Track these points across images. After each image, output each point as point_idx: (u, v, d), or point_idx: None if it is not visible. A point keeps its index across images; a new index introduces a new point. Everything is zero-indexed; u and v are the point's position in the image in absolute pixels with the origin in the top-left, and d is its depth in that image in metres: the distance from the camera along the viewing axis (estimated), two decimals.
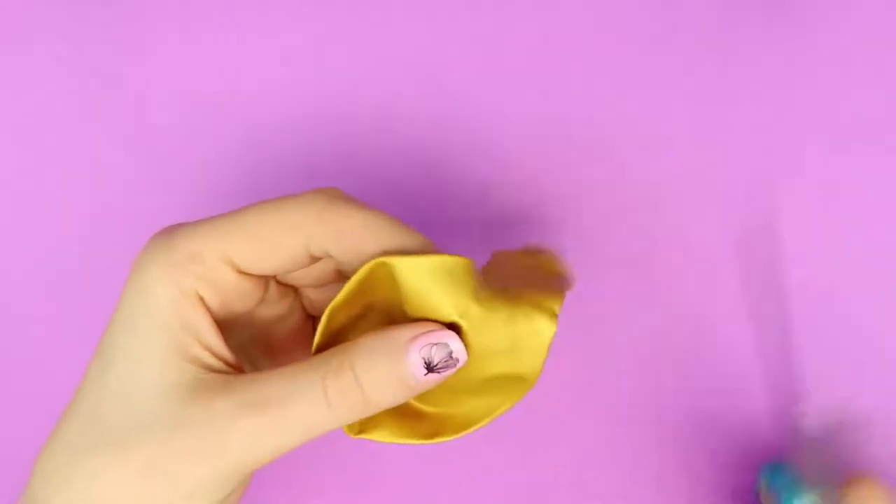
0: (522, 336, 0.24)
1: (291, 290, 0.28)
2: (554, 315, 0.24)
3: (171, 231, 0.24)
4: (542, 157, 0.35)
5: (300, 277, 0.27)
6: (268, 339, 0.28)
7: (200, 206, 0.35)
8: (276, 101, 0.36)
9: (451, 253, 0.27)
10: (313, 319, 0.29)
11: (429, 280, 0.24)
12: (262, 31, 0.36)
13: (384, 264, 0.24)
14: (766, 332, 0.35)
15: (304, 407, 0.23)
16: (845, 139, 0.35)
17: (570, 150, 0.35)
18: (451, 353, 0.24)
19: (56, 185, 0.36)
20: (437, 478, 0.35)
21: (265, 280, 0.26)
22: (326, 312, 0.24)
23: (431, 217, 0.35)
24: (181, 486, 0.22)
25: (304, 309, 0.29)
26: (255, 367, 0.28)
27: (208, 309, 0.24)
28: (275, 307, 0.27)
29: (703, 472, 0.35)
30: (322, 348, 0.25)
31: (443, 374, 0.24)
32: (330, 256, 0.25)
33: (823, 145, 0.35)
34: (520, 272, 0.25)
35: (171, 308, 0.23)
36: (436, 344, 0.23)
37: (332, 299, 0.27)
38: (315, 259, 0.25)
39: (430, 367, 0.23)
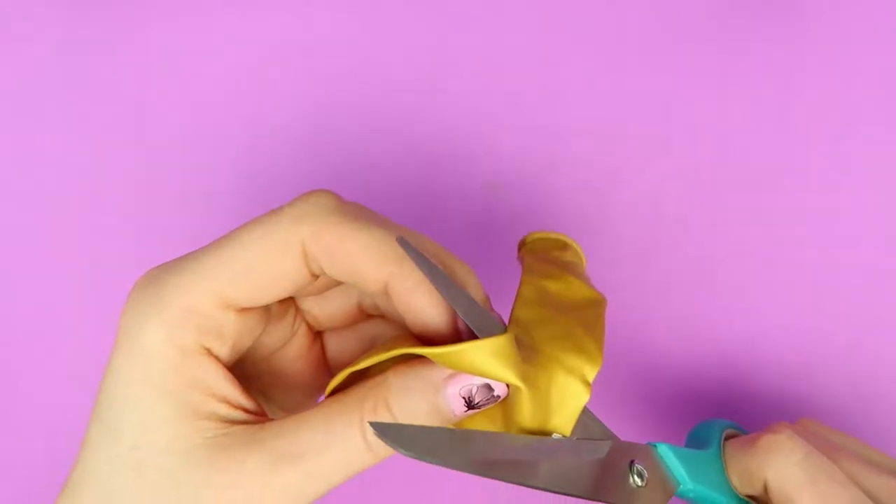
0: (555, 397, 0.23)
1: (291, 305, 0.26)
2: (587, 382, 0.22)
3: (156, 281, 0.22)
4: (542, 156, 0.35)
5: (321, 320, 0.26)
6: (276, 366, 0.26)
7: (200, 205, 0.35)
8: (276, 101, 0.36)
9: (466, 268, 0.25)
10: (320, 337, 0.28)
11: (467, 365, 0.22)
12: (261, 31, 0.36)
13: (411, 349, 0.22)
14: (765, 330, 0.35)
15: (343, 454, 0.21)
16: (845, 138, 0.35)
17: (569, 148, 0.35)
18: (493, 392, 0.22)
19: (56, 185, 0.36)
20: (437, 478, 0.35)
21: (266, 306, 0.24)
22: (340, 376, 0.23)
23: (432, 213, 0.35)
24: None
25: (307, 326, 0.27)
26: (267, 397, 0.26)
27: (218, 359, 0.22)
28: (278, 331, 0.26)
29: None
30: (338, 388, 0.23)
31: (483, 408, 0.22)
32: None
33: (823, 144, 0.35)
34: (558, 312, 0.23)
35: (173, 372, 0.21)
36: (477, 385, 0.22)
37: (336, 311, 0.26)
38: (317, 275, 0.23)
39: (470, 405, 0.22)
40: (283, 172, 0.36)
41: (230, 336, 0.22)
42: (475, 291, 0.24)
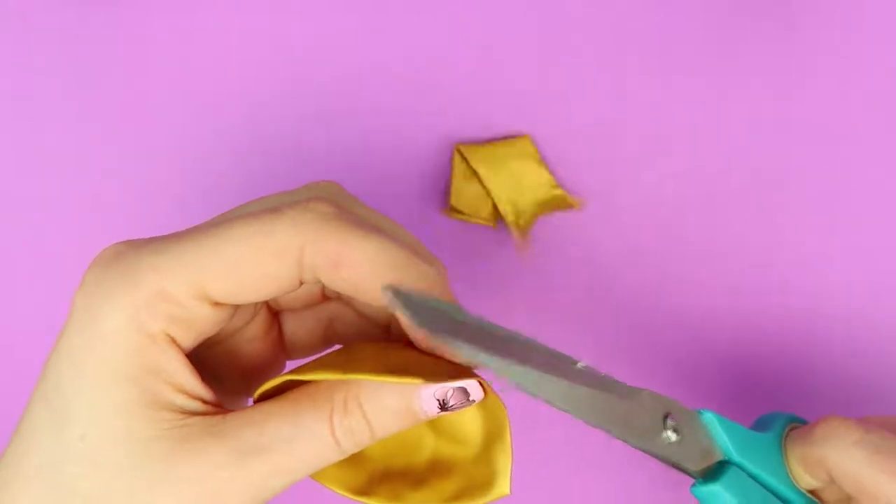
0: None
1: (264, 306, 0.25)
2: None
3: (127, 258, 0.20)
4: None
5: (281, 301, 0.25)
6: (232, 349, 0.25)
7: (200, 205, 0.35)
8: (277, 100, 0.36)
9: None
10: (278, 317, 0.26)
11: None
12: (262, 30, 0.36)
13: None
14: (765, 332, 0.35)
15: (311, 448, 0.20)
16: (845, 136, 0.35)
17: (568, 148, 0.35)
18: (468, 396, 0.21)
19: (56, 185, 0.36)
20: None
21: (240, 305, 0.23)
22: (273, 381, 0.22)
23: (432, 212, 0.35)
24: None
25: (268, 308, 0.26)
26: (219, 381, 0.25)
27: (180, 348, 0.21)
28: (240, 317, 0.24)
29: None
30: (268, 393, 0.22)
31: (456, 409, 0.21)
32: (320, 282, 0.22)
33: (823, 145, 0.35)
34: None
35: (134, 356, 0.20)
36: (453, 388, 0.21)
37: (300, 294, 0.25)
38: (303, 283, 0.22)
39: (443, 407, 0.21)
40: (284, 172, 0.36)
41: (198, 328, 0.21)
42: (442, 291, 0.22)
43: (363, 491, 0.23)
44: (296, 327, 0.26)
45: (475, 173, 0.34)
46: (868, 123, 0.35)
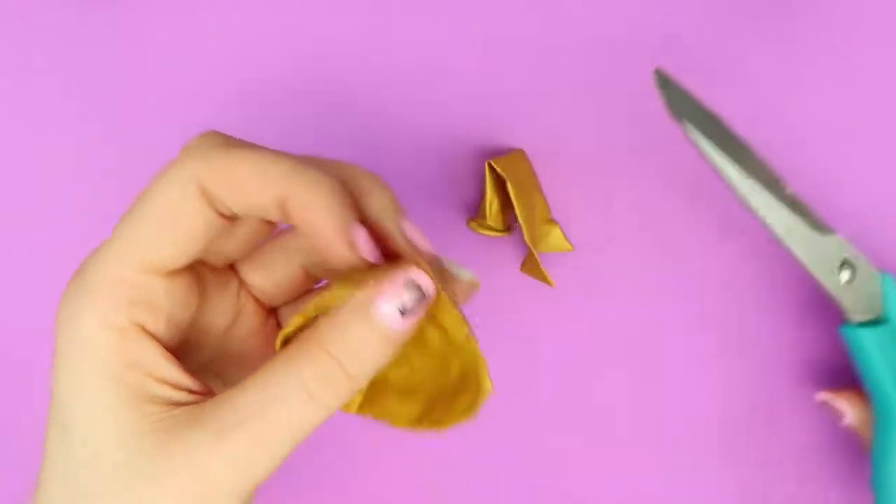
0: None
1: (231, 277, 0.25)
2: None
3: (82, 266, 0.21)
4: (541, 156, 0.35)
5: (270, 294, 0.25)
6: (229, 347, 0.25)
7: None
8: (277, 99, 0.36)
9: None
10: (275, 313, 0.27)
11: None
12: (262, 30, 0.36)
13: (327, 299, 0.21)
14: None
15: (286, 410, 0.20)
16: (846, 138, 0.35)
17: (568, 148, 0.35)
18: (421, 291, 0.21)
19: (56, 185, 0.36)
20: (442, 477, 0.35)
21: (196, 272, 0.24)
22: (286, 329, 0.22)
23: (432, 211, 0.35)
24: None
25: (256, 302, 0.26)
26: (225, 380, 0.25)
27: (153, 336, 0.21)
28: (222, 306, 0.25)
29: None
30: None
31: (419, 311, 0.21)
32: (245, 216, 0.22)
33: (823, 144, 0.35)
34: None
35: (111, 354, 0.20)
36: (404, 287, 0.21)
37: (282, 279, 0.25)
38: (227, 218, 0.22)
39: (403, 312, 0.21)
40: None
41: (163, 307, 0.21)
42: (379, 201, 0.23)
43: (419, 420, 0.24)
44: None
45: (504, 186, 0.34)
46: (868, 123, 0.35)
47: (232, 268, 0.26)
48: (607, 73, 0.35)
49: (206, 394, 0.22)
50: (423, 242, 0.23)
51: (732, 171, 0.28)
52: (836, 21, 0.35)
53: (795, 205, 0.29)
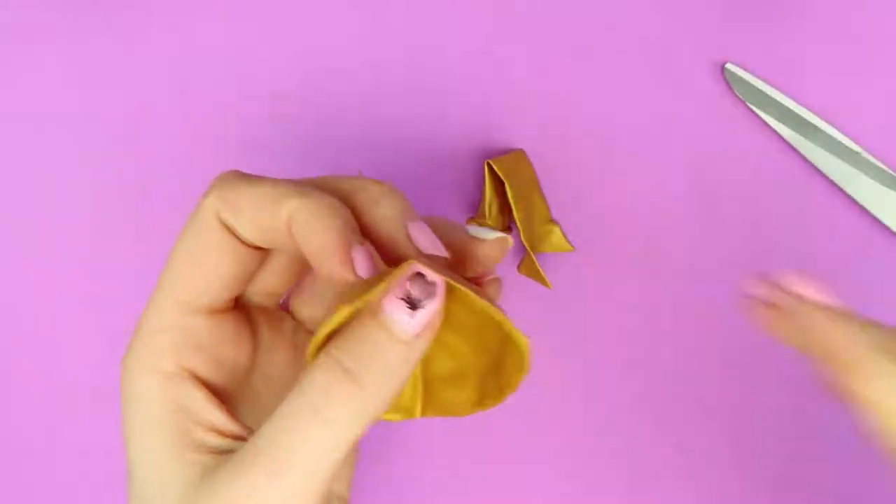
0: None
1: (286, 319, 0.25)
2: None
3: (138, 323, 0.22)
4: (541, 156, 0.35)
5: (270, 285, 0.25)
6: (282, 379, 0.25)
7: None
8: (276, 100, 0.36)
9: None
10: None
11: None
12: (261, 30, 0.36)
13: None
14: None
15: (299, 439, 0.19)
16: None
17: (567, 149, 0.35)
18: (427, 281, 0.20)
19: (55, 185, 0.36)
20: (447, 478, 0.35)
21: (246, 314, 0.24)
22: (316, 339, 0.21)
23: (431, 195, 0.35)
24: None
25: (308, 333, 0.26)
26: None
27: (203, 380, 0.22)
28: (280, 346, 0.24)
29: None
30: None
31: (430, 306, 0.20)
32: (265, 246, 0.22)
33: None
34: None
35: (161, 401, 0.21)
36: (408, 282, 0.20)
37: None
38: (254, 248, 0.22)
39: (413, 306, 0.19)
40: (283, 174, 0.36)
41: (209, 347, 0.22)
42: (385, 209, 0.22)
43: (480, 401, 0.24)
44: None
45: (502, 185, 0.34)
46: (869, 123, 0.35)
47: (285, 308, 0.26)
48: (605, 73, 0.35)
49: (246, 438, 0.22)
50: (433, 245, 0.22)
51: (804, 144, 0.31)
52: (837, 20, 0.35)
53: (869, 167, 0.31)
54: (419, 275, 0.20)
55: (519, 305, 0.35)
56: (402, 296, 0.19)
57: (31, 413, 0.35)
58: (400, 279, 0.19)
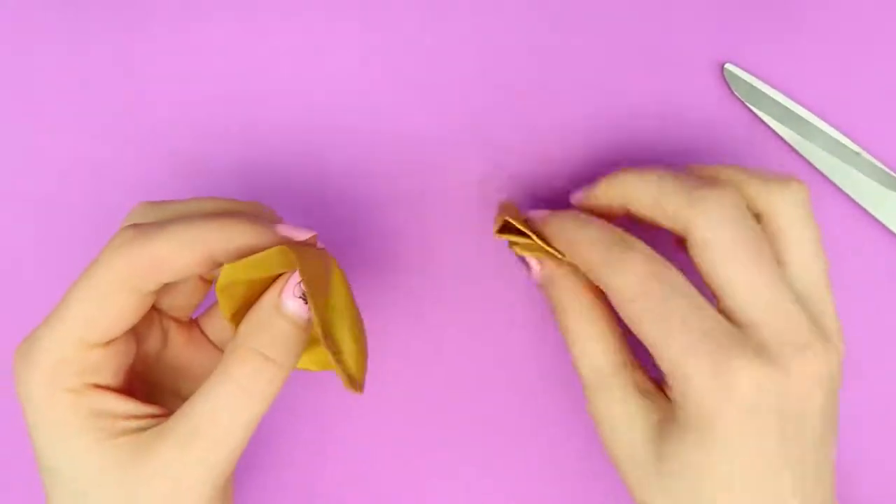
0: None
1: (153, 315, 0.28)
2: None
3: (27, 348, 0.25)
4: (541, 156, 0.35)
5: (181, 312, 0.29)
6: (173, 366, 0.29)
7: None
8: (276, 101, 0.36)
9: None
10: (197, 323, 0.30)
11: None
12: (261, 31, 0.36)
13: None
14: None
15: (230, 411, 0.24)
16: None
17: (567, 149, 0.35)
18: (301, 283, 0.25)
19: (55, 185, 0.36)
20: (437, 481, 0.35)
21: (131, 333, 0.27)
22: (219, 289, 0.25)
23: (430, 213, 0.35)
24: None
25: (178, 322, 0.30)
26: (182, 395, 0.28)
27: (107, 388, 0.25)
28: (152, 337, 0.28)
29: None
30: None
31: (307, 301, 0.25)
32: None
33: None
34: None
35: (73, 410, 0.24)
36: (297, 284, 0.25)
37: (190, 293, 0.29)
38: (155, 291, 0.26)
39: (304, 299, 0.25)
40: (282, 174, 0.36)
41: (108, 366, 0.25)
42: (253, 237, 0.26)
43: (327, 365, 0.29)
44: (215, 326, 0.30)
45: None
46: (869, 123, 0.35)
47: None
48: (605, 73, 0.35)
49: (167, 414, 0.25)
50: (299, 233, 0.27)
51: (804, 145, 0.32)
52: (837, 19, 0.35)
53: (869, 168, 0.32)
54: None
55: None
56: (298, 293, 0.25)
57: None
58: (292, 281, 0.25)
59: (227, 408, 0.24)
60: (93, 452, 0.24)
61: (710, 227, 0.24)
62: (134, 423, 0.25)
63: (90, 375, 0.25)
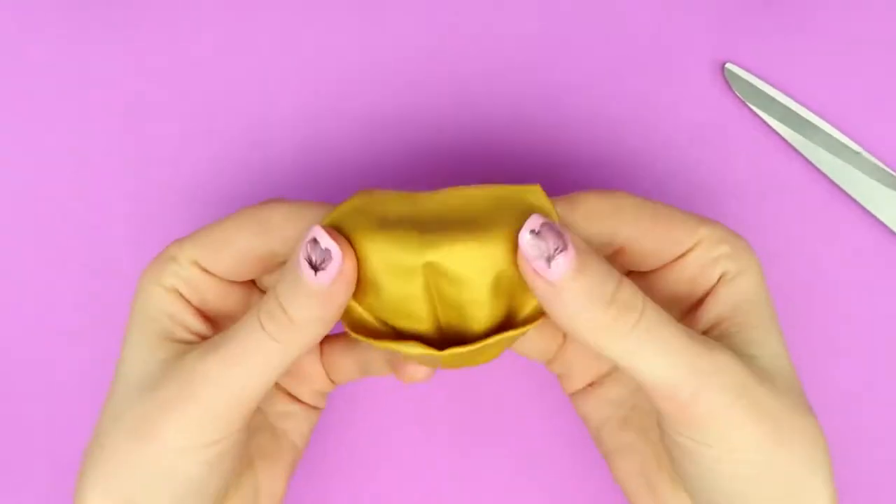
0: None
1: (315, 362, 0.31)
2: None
3: (165, 249, 0.28)
4: (540, 155, 0.35)
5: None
6: (306, 374, 0.31)
7: (199, 206, 0.35)
8: (276, 101, 0.36)
9: None
10: (253, 283, 0.31)
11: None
12: (261, 31, 0.36)
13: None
14: None
15: (247, 339, 0.25)
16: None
17: (566, 149, 0.35)
18: (325, 248, 0.23)
19: (54, 185, 0.36)
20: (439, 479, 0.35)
21: (243, 285, 0.29)
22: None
23: None
24: (164, 439, 0.25)
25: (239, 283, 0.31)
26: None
27: (188, 301, 0.27)
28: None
29: None
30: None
31: (330, 272, 0.23)
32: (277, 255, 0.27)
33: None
34: None
35: (156, 302, 0.27)
36: (309, 243, 0.24)
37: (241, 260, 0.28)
38: (274, 264, 0.27)
39: (314, 267, 0.23)
40: (283, 175, 0.36)
41: (197, 288, 0.27)
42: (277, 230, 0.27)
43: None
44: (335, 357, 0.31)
45: None
46: (869, 123, 0.35)
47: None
48: (604, 73, 0.35)
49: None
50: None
51: (804, 145, 0.32)
52: (837, 19, 0.35)
53: (870, 168, 0.32)
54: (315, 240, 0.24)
55: None
56: (305, 256, 0.24)
57: (32, 412, 0.35)
58: (302, 244, 0.24)
59: (247, 334, 0.25)
60: (146, 347, 0.26)
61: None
62: (189, 336, 0.27)
63: (180, 283, 0.27)
